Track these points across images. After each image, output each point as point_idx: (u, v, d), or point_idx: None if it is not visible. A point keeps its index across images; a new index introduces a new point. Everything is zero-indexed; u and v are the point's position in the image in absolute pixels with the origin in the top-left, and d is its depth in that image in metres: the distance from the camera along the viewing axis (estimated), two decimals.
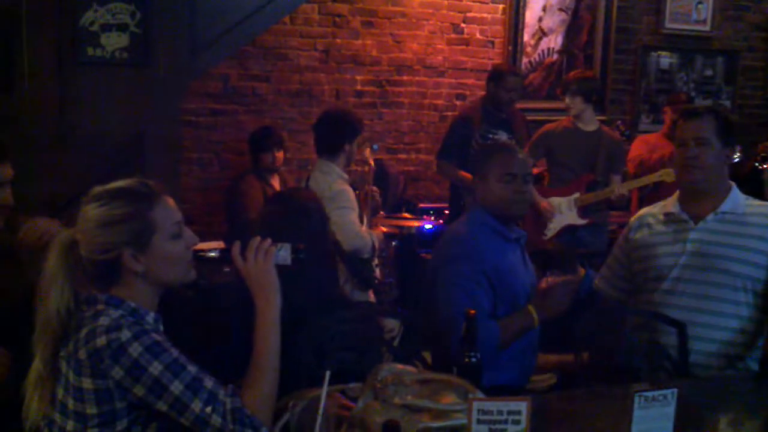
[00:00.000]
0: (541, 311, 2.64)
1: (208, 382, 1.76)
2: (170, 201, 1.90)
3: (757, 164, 5.32)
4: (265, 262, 1.95)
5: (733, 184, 2.94)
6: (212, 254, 2.00)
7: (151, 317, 1.86)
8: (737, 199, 2.89)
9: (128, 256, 1.82)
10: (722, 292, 2.81)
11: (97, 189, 1.86)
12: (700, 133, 2.84)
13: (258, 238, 1.97)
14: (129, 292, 1.84)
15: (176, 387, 1.72)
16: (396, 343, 3.36)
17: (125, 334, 1.73)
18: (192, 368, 1.76)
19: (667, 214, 2.99)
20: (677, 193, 3.01)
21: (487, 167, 2.79)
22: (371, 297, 3.92)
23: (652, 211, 3.08)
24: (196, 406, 1.72)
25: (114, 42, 3.67)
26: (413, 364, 2.35)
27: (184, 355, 1.77)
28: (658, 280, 2.96)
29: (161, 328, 1.88)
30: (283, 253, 1.99)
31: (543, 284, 2.68)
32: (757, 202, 2.94)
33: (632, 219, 3.16)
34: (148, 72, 3.73)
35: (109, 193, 1.84)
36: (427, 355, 2.99)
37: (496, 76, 5.12)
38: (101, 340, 1.72)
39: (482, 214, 2.79)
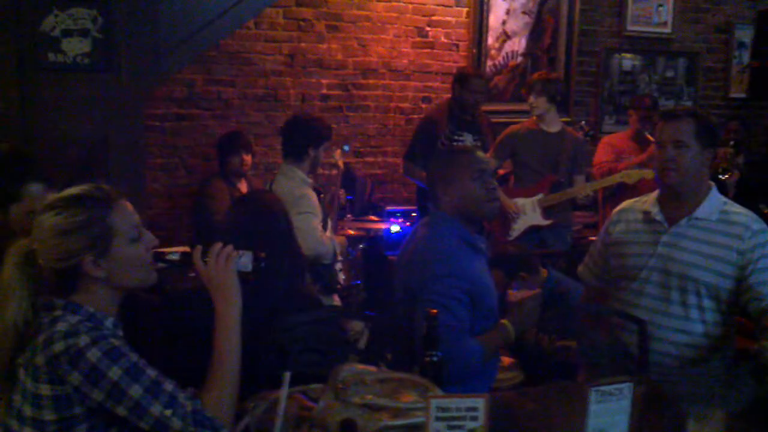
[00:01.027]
0: (516, 326, 2.62)
1: (168, 386, 1.76)
2: (127, 205, 1.89)
3: (719, 175, 5.29)
4: (227, 265, 1.96)
5: (713, 186, 2.91)
6: (174, 257, 2.00)
7: (110, 322, 1.85)
8: (713, 205, 2.87)
9: (89, 263, 1.81)
10: (687, 297, 2.83)
11: (52, 197, 1.86)
12: (678, 136, 2.82)
13: (220, 244, 1.98)
14: (89, 298, 1.84)
15: (135, 391, 1.71)
16: (363, 344, 3.39)
17: (83, 340, 1.72)
18: (151, 372, 1.76)
19: (645, 213, 2.98)
20: (657, 191, 3.00)
21: (454, 170, 2.70)
22: (336, 301, 3.94)
23: (634, 206, 3.06)
24: (156, 409, 1.72)
25: (75, 47, 3.64)
26: (378, 366, 2.37)
27: (144, 360, 1.77)
28: (628, 278, 2.98)
29: (120, 333, 1.87)
30: (245, 260, 1.99)
31: (511, 298, 2.67)
32: (736, 208, 2.90)
33: (615, 211, 3.15)
34: (110, 77, 3.71)
35: (64, 201, 1.83)
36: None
37: (460, 79, 5.16)
38: (59, 346, 1.71)
39: (451, 223, 2.69)
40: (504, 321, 2.63)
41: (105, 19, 3.65)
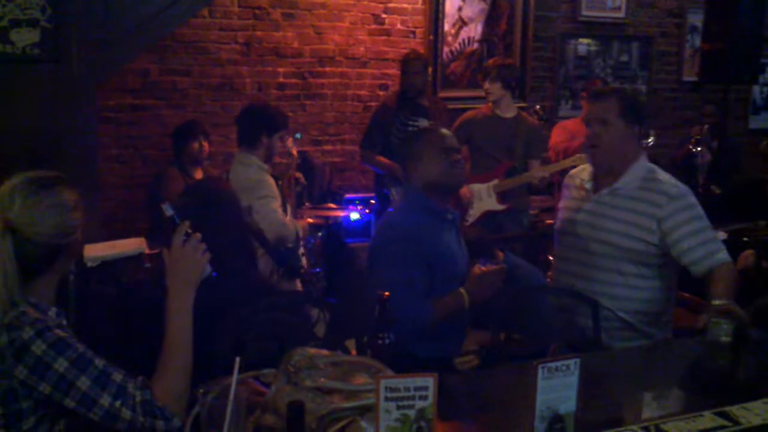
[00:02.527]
0: (472, 295, 2.78)
1: (117, 376, 1.75)
2: None
3: (691, 147, 5.45)
4: (197, 250, 1.94)
5: (640, 159, 3.00)
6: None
7: (53, 312, 1.83)
8: (634, 176, 2.98)
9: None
10: (604, 261, 2.95)
11: (36, 174, 1.83)
12: (601, 114, 2.97)
13: (188, 223, 1.95)
14: (31, 287, 1.81)
15: (83, 383, 1.70)
16: (322, 332, 3.40)
17: (27, 332, 1.70)
18: (99, 362, 1.74)
19: (581, 179, 3.15)
20: None
21: (420, 149, 2.91)
22: (298, 286, 3.95)
23: (579, 172, 3.22)
24: (105, 400, 1.71)
25: (24, 38, 3.58)
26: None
27: (92, 350, 1.75)
28: (559, 243, 3.13)
29: (64, 322, 1.85)
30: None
31: (476, 270, 2.79)
32: (660, 176, 2.99)
33: (568, 174, 3.31)
34: (61, 68, 3.66)
35: (55, 180, 1.84)
36: (351, 344, 3.02)
37: (401, 63, 5.28)
38: (2, 340, 1.70)
39: (419, 197, 2.89)
40: (461, 289, 2.79)
41: (54, 9, 3.59)
